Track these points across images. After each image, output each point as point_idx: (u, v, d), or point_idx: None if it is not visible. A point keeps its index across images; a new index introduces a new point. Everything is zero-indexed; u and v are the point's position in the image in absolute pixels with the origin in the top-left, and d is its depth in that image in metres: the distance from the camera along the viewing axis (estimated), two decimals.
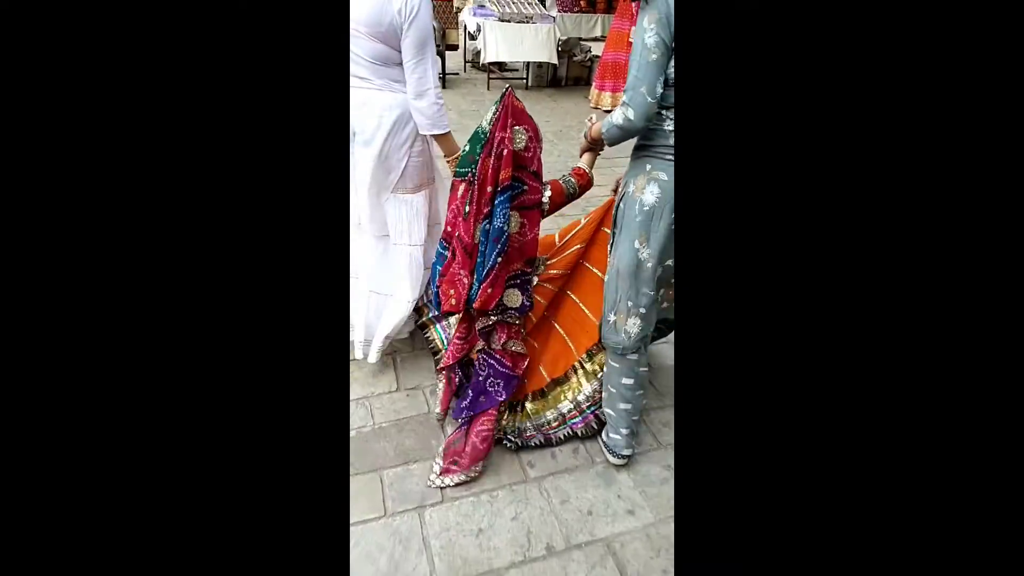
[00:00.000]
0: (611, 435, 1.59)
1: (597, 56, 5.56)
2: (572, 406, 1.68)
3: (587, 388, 1.67)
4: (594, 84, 5.24)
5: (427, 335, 1.84)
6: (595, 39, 6.41)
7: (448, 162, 1.70)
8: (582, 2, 6.53)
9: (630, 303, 1.43)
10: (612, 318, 1.47)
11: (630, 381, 1.52)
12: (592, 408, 1.67)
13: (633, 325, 1.44)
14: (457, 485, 1.51)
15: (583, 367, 1.69)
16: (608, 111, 3.61)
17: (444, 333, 1.81)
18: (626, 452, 1.58)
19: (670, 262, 1.39)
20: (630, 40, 2.38)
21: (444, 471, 1.53)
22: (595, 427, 1.66)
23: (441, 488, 1.51)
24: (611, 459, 1.59)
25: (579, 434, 1.66)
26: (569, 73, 6.62)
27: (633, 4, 1.38)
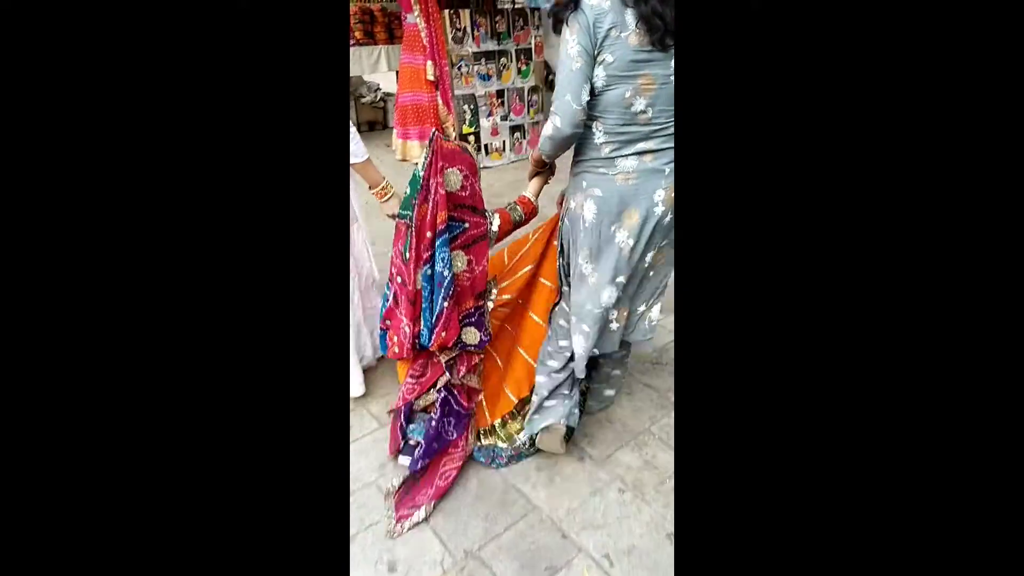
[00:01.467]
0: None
1: (390, 94, 5.38)
2: None
3: None
4: (396, 133, 4.90)
5: None
6: (384, 73, 5.98)
7: (374, 193, 1.67)
8: (356, 33, 5.71)
9: (574, 319, 1.51)
10: (570, 339, 1.56)
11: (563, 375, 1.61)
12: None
13: (578, 344, 1.51)
14: (411, 528, 1.51)
15: None
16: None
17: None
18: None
19: (620, 279, 1.42)
20: (428, 78, 2.38)
21: (400, 518, 1.52)
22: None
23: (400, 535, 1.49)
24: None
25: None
26: (360, 118, 6.08)
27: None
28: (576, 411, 1.67)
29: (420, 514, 1.53)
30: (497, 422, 1.77)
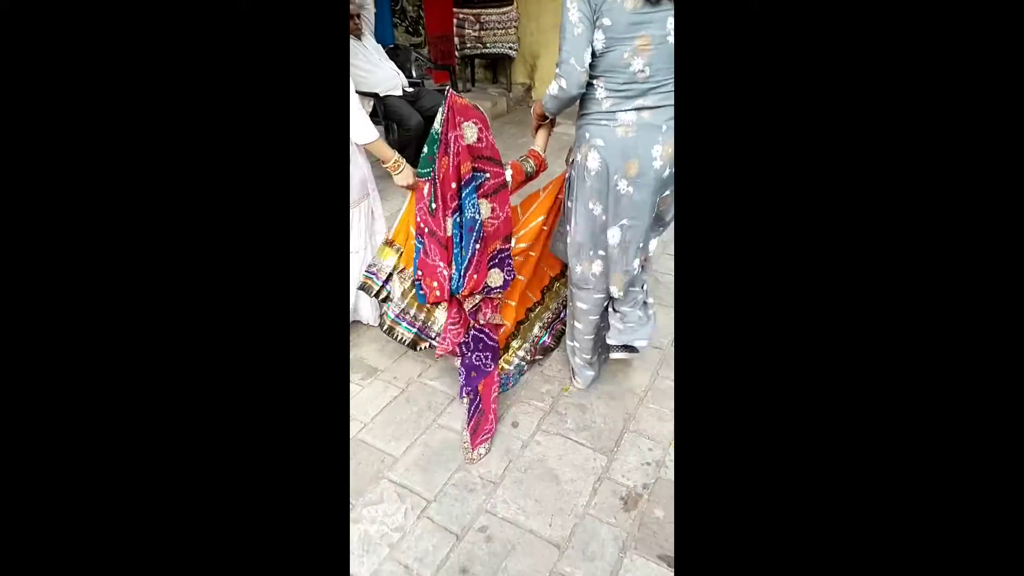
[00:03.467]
0: (576, 361, 1.89)
1: None
2: (540, 325, 2.02)
3: (553, 307, 2.04)
4: None
5: (396, 336, 1.89)
6: None
7: (387, 168, 1.76)
8: None
9: (591, 251, 1.64)
10: (578, 268, 1.69)
11: (594, 313, 1.76)
12: (554, 323, 2.04)
13: (597, 267, 1.66)
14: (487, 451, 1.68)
15: (551, 289, 2.03)
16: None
17: (412, 326, 1.89)
18: (589, 373, 1.88)
19: (625, 222, 1.54)
20: None
21: (477, 444, 1.67)
22: (558, 339, 2.06)
23: (479, 458, 1.66)
24: (577, 384, 1.90)
25: (552, 346, 2.04)
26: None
27: None
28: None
29: (488, 443, 1.70)
30: (512, 337, 1.98)
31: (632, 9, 1.29)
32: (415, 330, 1.88)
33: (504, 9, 4.87)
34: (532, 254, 1.89)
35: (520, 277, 1.86)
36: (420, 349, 1.91)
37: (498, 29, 4.95)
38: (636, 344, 1.73)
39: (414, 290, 1.80)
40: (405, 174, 1.78)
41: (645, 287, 1.76)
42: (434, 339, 1.87)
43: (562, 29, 1.36)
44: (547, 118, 1.71)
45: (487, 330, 1.79)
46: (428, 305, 1.83)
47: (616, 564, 1.36)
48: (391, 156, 1.75)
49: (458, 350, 1.78)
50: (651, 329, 1.77)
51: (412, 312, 1.87)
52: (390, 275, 1.85)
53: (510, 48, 5.02)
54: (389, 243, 1.86)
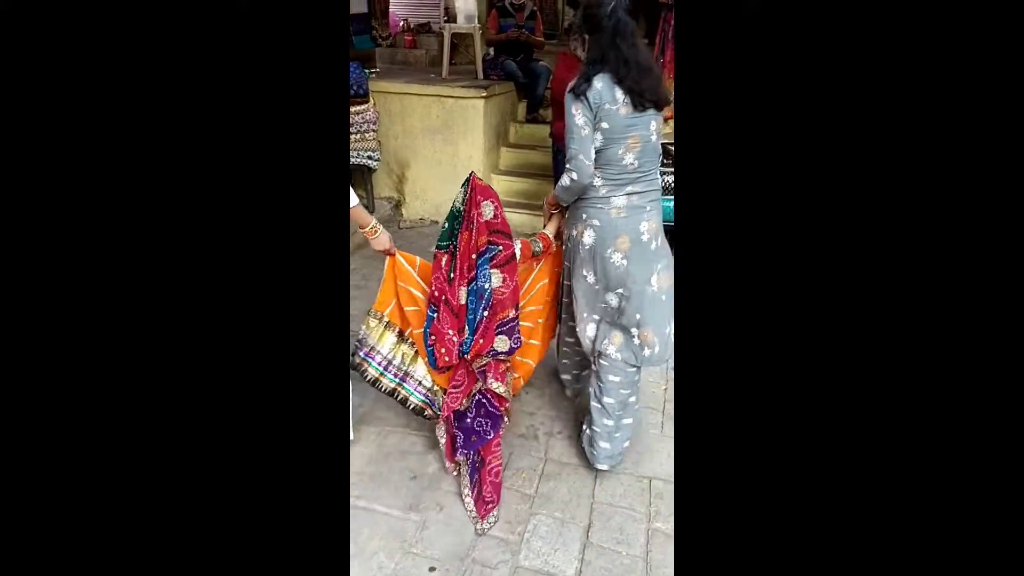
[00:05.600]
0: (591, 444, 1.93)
1: None
2: None
3: None
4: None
5: (399, 398, 1.92)
6: None
7: (365, 233, 1.82)
8: None
9: (585, 313, 1.84)
10: (580, 327, 1.86)
11: (604, 388, 1.84)
12: None
13: (591, 330, 1.84)
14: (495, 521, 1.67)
15: None
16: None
17: (416, 390, 1.94)
18: (602, 465, 1.88)
19: (620, 290, 1.73)
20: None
21: (484, 514, 1.67)
22: None
23: (489, 529, 1.64)
24: (597, 465, 1.91)
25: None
26: None
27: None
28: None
29: (496, 510, 1.71)
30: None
31: (625, 115, 1.60)
32: (419, 393, 1.92)
33: (358, 108, 3.68)
34: (540, 321, 2.00)
35: (533, 342, 1.95)
36: (422, 414, 1.94)
37: (353, 134, 3.74)
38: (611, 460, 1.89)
39: (414, 352, 1.90)
40: (382, 239, 1.83)
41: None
42: (417, 388, 1.93)
43: (568, 131, 1.65)
44: (558, 207, 1.91)
45: (489, 396, 1.83)
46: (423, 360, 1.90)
47: None
48: (369, 221, 1.82)
49: (452, 418, 1.82)
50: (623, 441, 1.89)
51: (420, 374, 1.92)
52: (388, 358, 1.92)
53: (369, 158, 3.85)
54: (378, 317, 1.91)
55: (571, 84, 1.64)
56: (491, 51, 4.42)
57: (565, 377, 2.24)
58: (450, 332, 1.74)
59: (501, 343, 1.80)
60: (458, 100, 3.90)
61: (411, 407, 1.95)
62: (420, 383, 1.94)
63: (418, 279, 1.90)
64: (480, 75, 4.30)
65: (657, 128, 1.67)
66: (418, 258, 1.93)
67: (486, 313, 1.72)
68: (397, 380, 1.94)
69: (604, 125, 1.60)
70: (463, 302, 1.72)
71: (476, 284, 1.72)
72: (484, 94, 3.87)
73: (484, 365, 1.80)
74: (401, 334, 1.93)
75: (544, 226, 1.99)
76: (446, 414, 1.82)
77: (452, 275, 1.72)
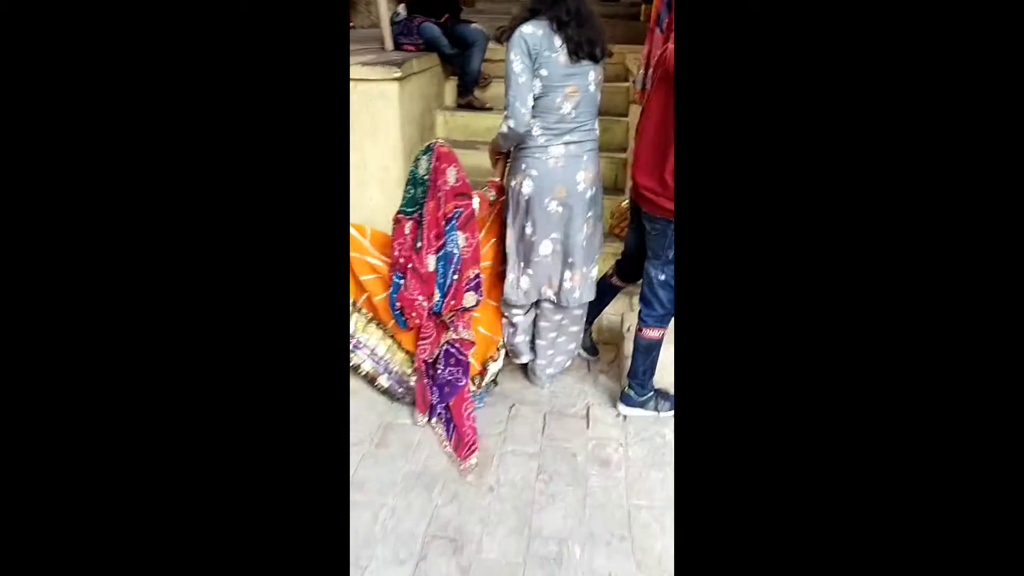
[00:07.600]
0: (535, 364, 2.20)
1: None
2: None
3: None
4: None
5: (351, 364, 2.07)
6: None
7: None
8: None
9: (521, 264, 1.94)
10: (511, 276, 1.99)
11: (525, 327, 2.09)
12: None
13: (525, 282, 1.96)
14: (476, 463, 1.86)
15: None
16: None
17: (370, 357, 2.09)
18: (550, 371, 2.18)
19: (555, 235, 1.85)
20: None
21: (468, 455, 1.84)
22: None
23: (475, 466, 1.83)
24: (536, 382, 2.21)
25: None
26: None
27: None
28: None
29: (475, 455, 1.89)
30: (487, 362, 2.17)
31: (563, 64, 1.66)
32: (372, 359, 2.06)
33: None
34: (492, 267, 2.14)
35: (491, 302, 2.10)
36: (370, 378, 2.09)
37: None
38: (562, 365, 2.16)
39: (367, 320, 2.04)
40: None
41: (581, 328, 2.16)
42: (370, 356, 2.07)
43: (507, 78, 1.69)
44: (502, 152, 2.01)
45: (458, 345, 1.99)
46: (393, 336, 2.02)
47: None
48: None
49: (424, 369, 1.97)
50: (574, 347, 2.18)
51: (374, 341, 2.06)
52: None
53: None
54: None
55: (503, 28, 1.70)
56: (401, 9, 3.10)
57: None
58: (420, 298, 1.86)
59: (469, 299, 1.95)
60: (360, 85, 2.57)
61: (363, 373, 2.08)
62: (373, 351, 2.07)
63: (369, 247, 1.99)
64: (389, 45, 3.00)
65: (596, 79, 1.73)
66: (367, 226, 2.01)
67: (456, 276, 1.85)
68: (349, 348, 2.05)
69: (543, 72, 1.65)
70: (431, 269, 1.84)
71: (445, 250, 1.83)
72: (398, 74, 2.58)
73: (452, 317, 1.95)
74: (353, 303, 2.03)
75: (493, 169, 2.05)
76: (416, 365, 1.96)
77: (419, 243, 1.83)
